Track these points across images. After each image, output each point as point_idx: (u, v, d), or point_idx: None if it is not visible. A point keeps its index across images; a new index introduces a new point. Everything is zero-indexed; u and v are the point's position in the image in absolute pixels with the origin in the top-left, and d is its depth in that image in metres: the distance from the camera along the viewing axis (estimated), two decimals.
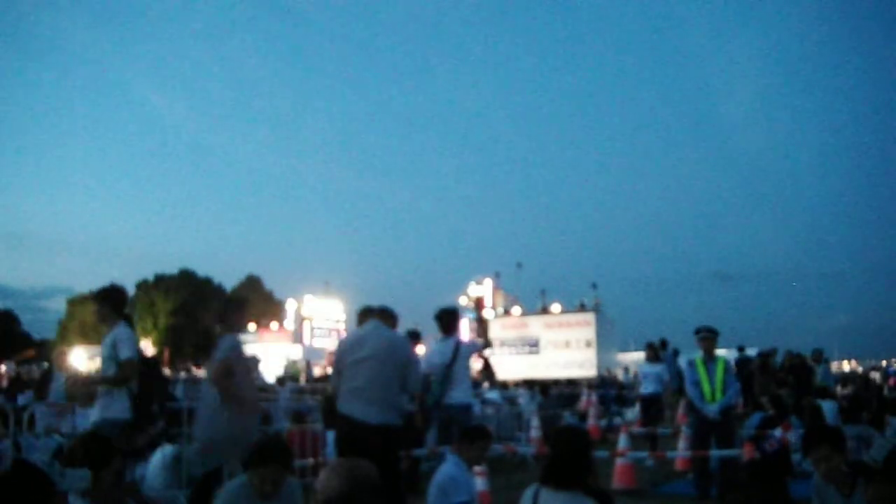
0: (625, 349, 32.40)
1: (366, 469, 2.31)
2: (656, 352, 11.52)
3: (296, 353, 36.79)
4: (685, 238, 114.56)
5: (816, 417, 8.26)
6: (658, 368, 11.07)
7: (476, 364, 9.44)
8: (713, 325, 7.25)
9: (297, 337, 38.90)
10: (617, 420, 13.94)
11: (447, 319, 6.86)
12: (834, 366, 24.71)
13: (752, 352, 21.22)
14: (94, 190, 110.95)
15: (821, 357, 15.20)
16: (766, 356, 14.78)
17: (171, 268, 59.12)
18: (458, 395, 6.57)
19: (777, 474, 4.00)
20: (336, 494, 2.22)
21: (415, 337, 8.33)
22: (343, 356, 4.77)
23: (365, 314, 5.11)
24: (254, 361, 6.06)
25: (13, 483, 2.81)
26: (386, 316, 4.99)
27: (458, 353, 6.62)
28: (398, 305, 5.09)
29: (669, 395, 13.46)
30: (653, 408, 10.97)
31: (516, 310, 33.88)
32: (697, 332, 7.18)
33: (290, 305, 40.74)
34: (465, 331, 35.41)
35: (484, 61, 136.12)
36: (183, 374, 18.29)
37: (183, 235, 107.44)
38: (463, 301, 36.34)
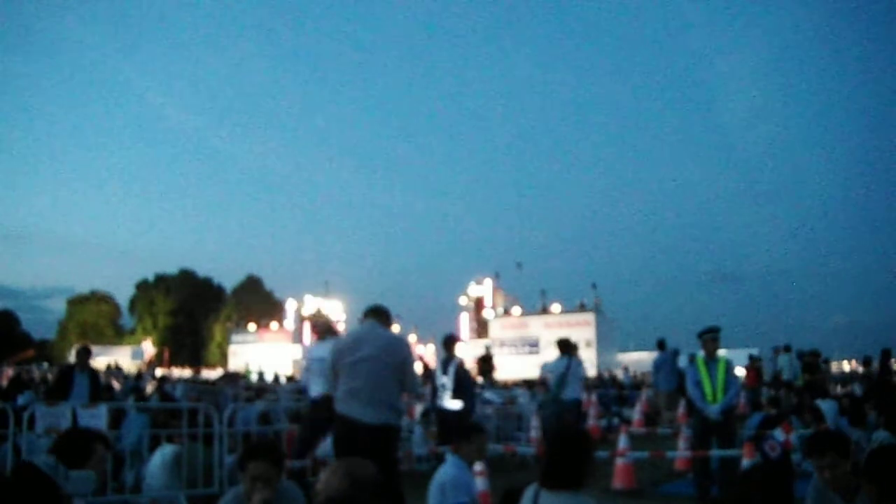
0: (625, 349, 32.42)
1: (366, 469, 2.31)
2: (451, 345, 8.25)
3: (296, 353, 36.81)
4: (685, 238, 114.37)
5: (817, 420, 8.22)
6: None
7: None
8: (713, 324, 7.21)
9: (297, 337, 38.88)
10: (616, 420, 13.94)
11: (562, 346, 10.08)
12: (834, 366, 24.69)
13: (752, 352, 21.23)
14: (95, 190, 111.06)
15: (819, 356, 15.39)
16: (812, 355, 14.99)
17: (171, 268, 59.31)
18: (569, 393, 9.61)
19: (780, 476, 3.95)
20: (336, 494, 2.21)
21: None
22: (340, 357, 4.74)
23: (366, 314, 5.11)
24: None
25: (19, 486, 2.79)
26: (381, 315, 4.97)
27: (570, 366, 9.75)
28: (399, 305, 5.12)
29: (665, 395, 13.51)
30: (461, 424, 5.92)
31: (516, 310, 33.88)
32: (701, 334, 7.12)
33: (290, 305, 40.72)
34: (465, 330, 35.47)
35: (484, 62, 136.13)
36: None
37: (183, 235, 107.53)
38: (463, 301, 36.35)
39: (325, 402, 6.15)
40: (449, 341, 8.49)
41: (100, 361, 35.55)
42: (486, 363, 18.98)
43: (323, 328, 7.30)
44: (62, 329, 55.04)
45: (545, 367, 10.59)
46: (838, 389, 18.25)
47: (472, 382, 8.65)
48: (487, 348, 21.10)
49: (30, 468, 2.92)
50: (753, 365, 17.07)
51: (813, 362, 15.01)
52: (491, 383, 17.51)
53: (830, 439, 3.48)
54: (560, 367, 9.88)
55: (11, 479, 2.94)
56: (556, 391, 9.85)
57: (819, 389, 12.92)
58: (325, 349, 6.31)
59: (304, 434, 7.08)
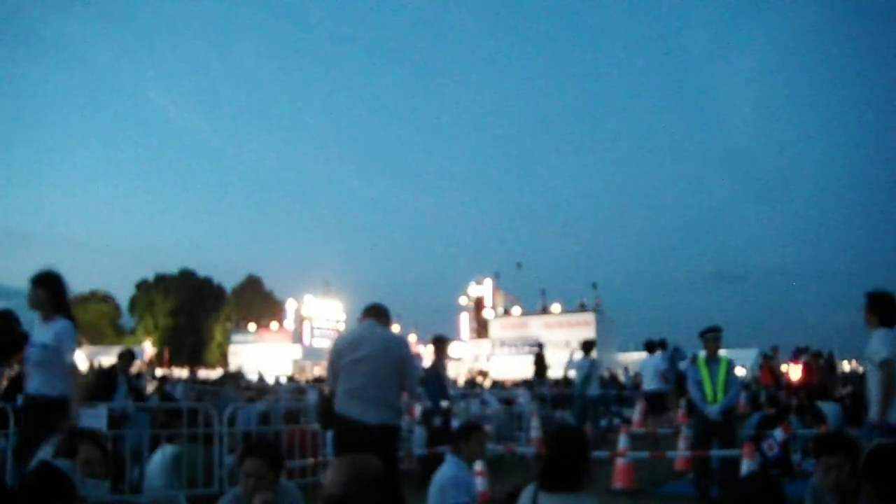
0: (625, 349, 32.36)
1: (370, 464, 2.32)
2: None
3: (296, 352, 36.80)
4: (685, 238, 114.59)
5: (818, 421, 8.20)
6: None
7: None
8: (715, 324, 7.19)
9: (297, 337, 38.88)
10: (617, 420, 13.92)
11: (587, 347, 11.53)
12: None
13: (752, 352, 21.16)
14: (95, 190, 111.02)
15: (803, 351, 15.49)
16: (816, 356, 15.07)
17: (171, 268, 59.18)
18: (592, 390, 11.05)
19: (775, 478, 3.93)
20: (340, 490, 2.22)
21: (657, 347, 12.31)
22: (339, 356, 4.73)
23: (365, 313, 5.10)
24: None
25: (40, 483, 2.81)
26: (380, 314, 4.96)
27: (593, 366, 11.06)
28: (398, 305, 5.11)
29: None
30: None
31: (516, 310, 33.87)
32: (703, 334, 7.11)
33: (290, 305, 40.70)
34: (465, 330, 35.44)
35: (485, 62, 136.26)
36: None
37: (183, 235, 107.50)
38: (463, 301, 36.33)
39: (52, 402, 4.77)
40: (435, 342, 8.81)
41: (100, 362, 35.55)
42: (539, 362, 19.05)
43: (50, 301, 4.87)
44: None
45: (571, 365, 12.23)
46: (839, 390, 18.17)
47: (439, 382, 8.64)
48: (541, 347, 21.18)
49: (47, 468, 2.94)
50: (768, 364, 17.02)
51: (824, 364, 15.03)
52: (544, 382, 17.76)
53: (843, 440, 3.50)
54: (585, 367, 11.08)
55: (31, 477, 2.96)
56: (581, 389, 11.06)
57: (819, 390, 12.87)
58: (49, 334, 4.91)
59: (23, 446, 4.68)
